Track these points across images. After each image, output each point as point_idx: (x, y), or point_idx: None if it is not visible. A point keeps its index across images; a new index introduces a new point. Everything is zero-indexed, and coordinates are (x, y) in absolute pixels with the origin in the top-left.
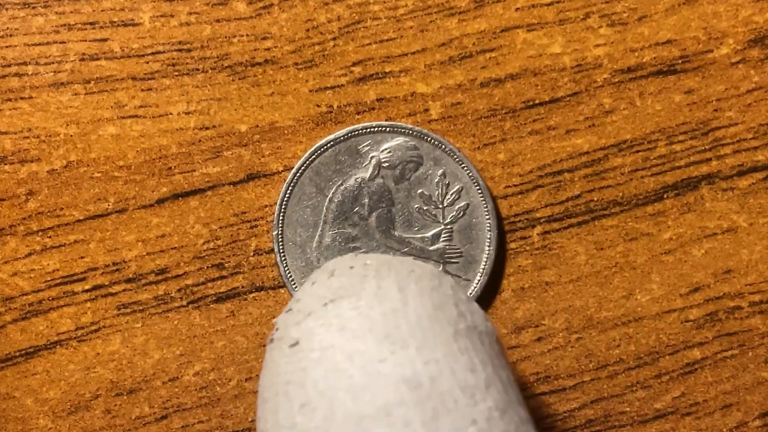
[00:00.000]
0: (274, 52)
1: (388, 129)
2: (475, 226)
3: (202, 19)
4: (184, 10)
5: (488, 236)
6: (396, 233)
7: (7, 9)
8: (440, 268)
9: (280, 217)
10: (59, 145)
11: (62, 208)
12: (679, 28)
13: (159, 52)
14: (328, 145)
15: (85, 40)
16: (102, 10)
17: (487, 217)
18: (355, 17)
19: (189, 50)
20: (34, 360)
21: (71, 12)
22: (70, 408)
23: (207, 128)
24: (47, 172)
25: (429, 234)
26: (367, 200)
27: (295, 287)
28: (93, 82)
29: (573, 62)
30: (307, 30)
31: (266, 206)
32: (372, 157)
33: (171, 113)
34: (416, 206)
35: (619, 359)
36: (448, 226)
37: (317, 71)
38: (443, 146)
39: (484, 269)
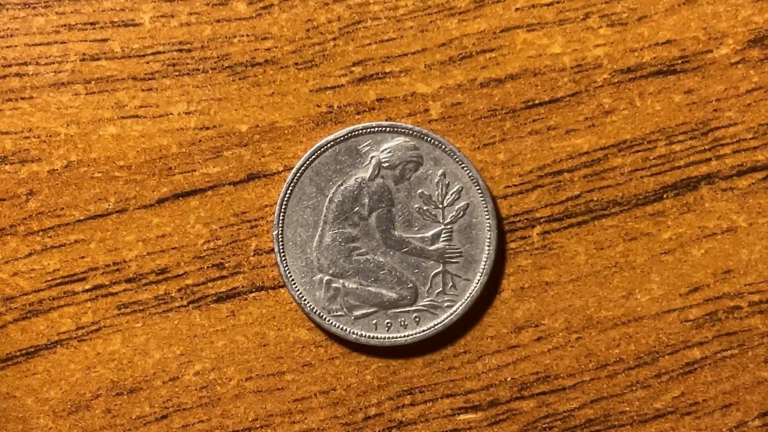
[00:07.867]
0: (275, 52)
1: (388, 129)
2: (475, 226)
3: (203, 19)
4: (185, 10)
5: (488, 236)
6: (396, 233)
7: (7, 9)
8: (440, 268)
9: (280, 217)
10: (60, 145)
11: (63, 208)
12: (678, 28)
13: (159, 53)
14: (328, 145)
15: (86, 41)
16: (102, 11)
17: (487, 217)
18: (355, 17)
19: (189, 50)
20: (34, 360)
21: (72, 12)
22: (71, 407)
23: (207, 128)
24: (48, 172)
25: (429, 234)
26: (367, 200)
27: (296, 287)
28: (93, 82)
29: (573, 62)
30: (307, 30)
31: (266, 206)
32: (372, 157)
33: (171, 113)
34: (416, 206)
35: (618, 359)
36: (448, 226)
37: (317, 71)
38: (443, 146)
39: (484, 269)
